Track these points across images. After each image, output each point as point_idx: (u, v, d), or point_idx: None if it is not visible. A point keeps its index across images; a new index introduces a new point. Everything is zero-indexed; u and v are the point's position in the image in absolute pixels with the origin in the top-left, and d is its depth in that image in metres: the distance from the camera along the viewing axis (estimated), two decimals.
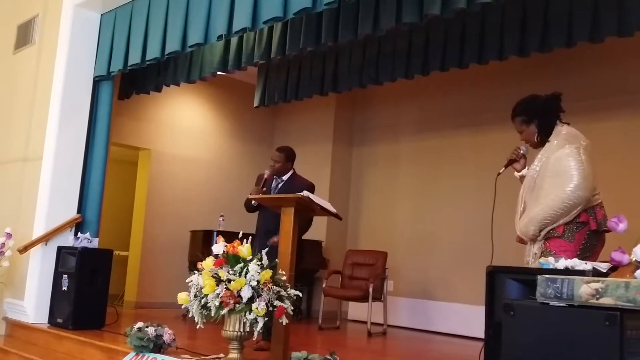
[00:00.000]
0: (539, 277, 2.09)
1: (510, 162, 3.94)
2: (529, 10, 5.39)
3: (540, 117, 3.75)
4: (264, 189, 5.32)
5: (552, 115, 3.74)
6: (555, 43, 5.28)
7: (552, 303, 2.03)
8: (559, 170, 3.54)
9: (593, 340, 1.89)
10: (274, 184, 5.43)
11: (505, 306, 2.14)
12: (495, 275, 3.09)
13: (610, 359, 1.84)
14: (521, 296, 2.82)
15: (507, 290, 3.01)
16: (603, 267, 2.87)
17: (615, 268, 2.77)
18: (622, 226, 2.89)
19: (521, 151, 3.92)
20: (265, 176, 5.37)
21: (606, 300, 1.92)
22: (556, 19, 5.21)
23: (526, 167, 3.86)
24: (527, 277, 2.82)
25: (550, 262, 3.01)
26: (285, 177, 5.47)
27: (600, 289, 1.93)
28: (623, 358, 1.83)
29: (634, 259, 2.64)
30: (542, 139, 3.75)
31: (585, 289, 1.95)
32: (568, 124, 3.76)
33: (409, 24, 4.93)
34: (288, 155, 5.51)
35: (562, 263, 2.95)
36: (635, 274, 2.52)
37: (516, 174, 3.95)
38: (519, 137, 7.53)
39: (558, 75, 6.95)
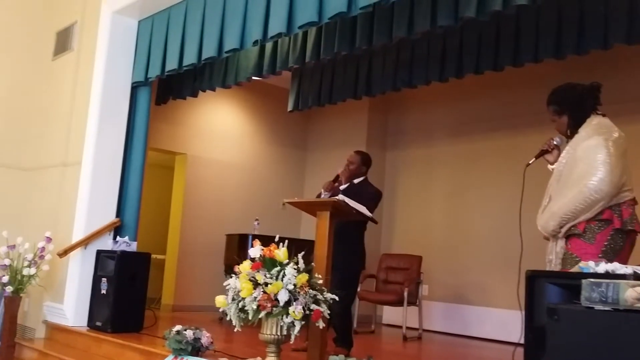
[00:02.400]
0: (583, 281, 2.06)
1: (542, 153, 3.73)
2: (565, 12, 5.31)
3: (573, 109, 3.56)
4: (336, 183, 5.29)
5: (587, 108, 3.53)
6: (591, 45, 5.19)
7: (597, 307, 2.00)
8: (585, 163, 3.34)
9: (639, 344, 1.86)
10: (342, 187, 5.34)
11: (549, 310, 2.11)
12: (535, 280, 3.05)
13: None
14: (561, 301, 2.78)
15: (547, 294, 2.97)
16: None
17: None
18: None
19: (554, 142, 3.71)
20: (338, 173, 5.33)
21: None
22: (592, 20, 5.13)
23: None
24: (568, 281, 2.77)
25: (591, 265, 2.96)
26: (356, 181, 5.41)
27: None
28: None
29: None
30: (573, 131, 3.54)
31: (630, 293, 1.92)
32: (604, 116, 3.54)
33: (443, 27, 4.91)
34: (364, 159, 5.46)
35: (603, 267, 2.90)
36: None
37: (549, 166, 3.73)
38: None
39: (595, 78, 6.83)
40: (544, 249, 6.99)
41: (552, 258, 3.52)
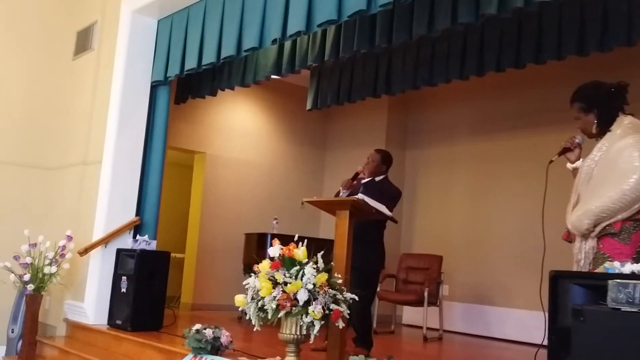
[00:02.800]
0: (609, 282, 2.02)
1: (565, 151, 3.68)
2: (587, 9, 5.24)
3: (601, 107, 3.50)
4: (355, 182, 5.27)
5: (614, 107, 3.49)
6: (614, 42, 5.12)
7: (623, 309, 1.95)
8: (621, 162, 3.29)
9: None
10: (360, 184, 5.32)
11: (575, 312, 2.07)
12: (558, 280, 3.00)
13: None
14: (586, 302, 2.73)
15: (571, 295, 2.92)
16: None
17: None
18: None
19: (577, 140, 3.66)
20: (358, 171, 5.30)
21: None
22: (615, 17, 5.05)
23: (580, 159, 3.61)
24: (592, 282, 2.72)
25: (616, 266, 2.90)
26: (377, 179, 5.38)
27: None
28: None
29: None
30: (601, 130, 3.49)
31: None
32: (632, 115, 3.49)
33: (464, 24, 4.86)
34: (384, 158, 5.43)
35: (628, 268, 2.84)
36: None
37: (569, 165, 3.68)
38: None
39: (619, 76, 6.73)
40: (567, 249, 6.90)
41: (581, 258, 3.44)
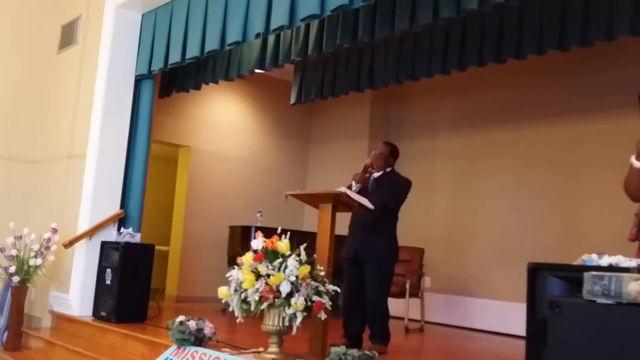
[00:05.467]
0: (585, 274, 2.06)
1: None
2: (569, 4, 5.29)
3: None
4: (367, 174, 5.28)
5: None
6: (595, 37, 5.17)
7: (599, 300, 2.00)
8: None
9: None
10: (371, 178, 5.32)
11: (551, 304, 2.11)
12: (537, 272, 3.06)
13: None
14: (564, 294, 2.79)
15: (549, 287, 2.98)
16: None
17: None
18: None
19: None
20: (367, 163, 5.28)
21: None
22: (597, 11, 5.11)
23: None
24: (571, 274, 2.78)
25: (594, 258, 2.97)
26: (387, 171, 5.38)
27: None
28: None
29: None
30: None
31: (634, 286, 1.92)
32: None
33: (446, 19, 4.90)
34: (392, 151, 5.43)
35: (606, 260, 2.90)
36: None
37: (637, 164, 3.54)
38: (555, 133, 7.38)
39: (601, 70, 6.84)
40: (548, 242, 6.99)
41: None
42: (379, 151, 5.35)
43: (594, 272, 2.03)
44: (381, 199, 5.04)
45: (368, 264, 5.09)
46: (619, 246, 3.31)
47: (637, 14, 4.89)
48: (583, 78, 7.02)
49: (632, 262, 2.79)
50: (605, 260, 2.90)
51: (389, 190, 5.12)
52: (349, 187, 5.08)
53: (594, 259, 2.96)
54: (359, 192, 5.05)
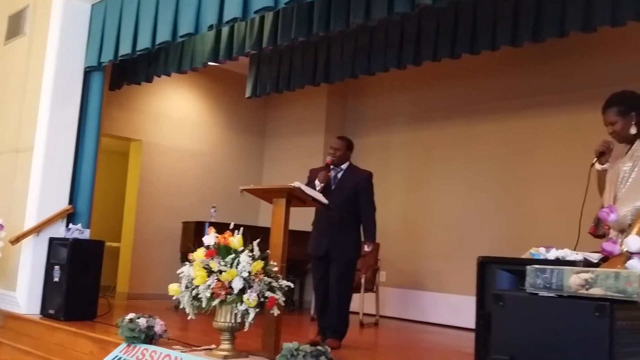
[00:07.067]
0: (528, 267, 2.09)
1: (601, 154, 3.74)
2: (522, 0, 5.37)
3: (638, 110, 3.61)
4: (329, 172, 5.24)
5: None
6: (547, 33, 5.25)
7: (541, 293, 2.03)
8: None
9: (583, 330, 1.88)
10: (332, 174, 5.30)
11: (495, 296, 2.14)
12: (486, 266, 3.09)
13: (599, 349, 1.84)
14: (512, 287, 2.82)
15: (498, 280, 3.02)
16: (594, 257, 2.87)
17: (606, 259, 2.77)
18: (613, 216, 2.89)
19: (611, 145, 3.73)
20: (328, 161, 5.26)
21: (596, 291, 1.92)
22: (548, 8, 5.18)
23: (608, 162, 3.70)
24: (518, 267, 2.81)
25: (541, 252, 3.01)
26: (344, 167, 5.36)
27: (589, 280, 1.93)
28: (612, 348, 1.83)
29: (625, 250, 2.64)
30: (638, 131, 3.59)
31: (574, 280, 1.95)
32: None
33: (400, 14, 4.91)
34: (349, 145, 5.42)
35: (553, 253, 2.95)
36: (627, 264, 2.53)
37: (599, 166, 3.75)
38: (509, 128, 7.50)
39: (550, 67, 6.96)
40: (501, 237, 7.08)
41: None
42: (336, 147, 5.36)
43: (537, 266, 2.06)
44: (369, 216, 5.23)
45: (337, 261, 5.10)
46: (570, 241, 3.38)
47: (588, 11, 4.98)
48: (535, 74, 7.13)
49: (578, 256, 2.85)
50: (552, 254, 2.94)
51: (352, 190, 5.15)
52: (313, 186, 5.08)
53: (541, 252, 3.01)
54: (323, 190, 5.06)
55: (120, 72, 7.10)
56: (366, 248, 5.21)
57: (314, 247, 5.29)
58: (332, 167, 5.29)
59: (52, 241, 5.87)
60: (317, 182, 5.14)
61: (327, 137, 9.01)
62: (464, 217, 7.51)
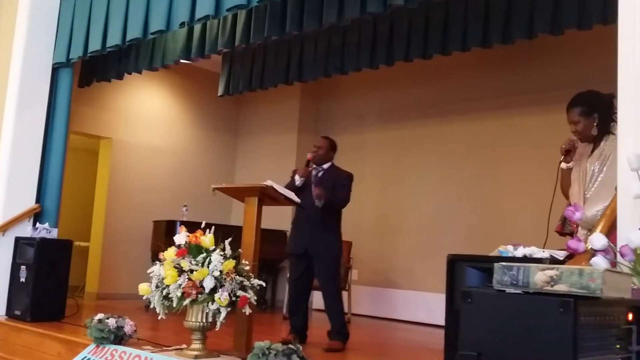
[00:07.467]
0: (495, 265, 2.12)
1: (567, 152, 3.82)
2: (492, 2, 5.43)
3: (601, 111, 3.67)
4: (310, 168, 5.23)
5: (611, 112, 3.63)
6: (516, 35, 5.33)
7: (508, 290, 2.05)
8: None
9: (548, 326, 1.92)
10: (314, 172, 5.30)
11: (463, 294, 2.16)
12: (455, 264, 3.12)
13: (564, 344, 1.88)
14: (481, 284, 2.85)
15: (467, 278, 3.04)
16: (560, 255, 2.92)
17: (572, 256, 2.82)
18: (578, 215, 2.94)
19: (576, 143, 3.81)
20: (309, 157, 5.26)
21: (560, 287, 1.95)
22: (518, 10, 5.27)
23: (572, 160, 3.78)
24: (487, 265, 2.84)
25: (509, 249, 3.05)
26: (325, 166, 5.36)
27: (555, 276, 1.96)
28: (577, 344, 1.87)
29: (589, 247, 2.69)
30: (600, 132, 3.67)
31: (540, 276, 1.98)
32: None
33: (373, 14, 4.93)
34: (332, 145, 5.43)
35: (521, 251, 2.99)
36: (591, 261, 2.57)
37: (564, 165, 3.83)
38: (480, 128, 7.60)
39: (520, 68, 7.04)
40: (472, 235, 7.15)
41: None
42: (318, 145, 5.36)
43: (504, 263, 2.09)
44: (341, 197, 5.17)
45: (320, 260, 5.10)
46: (539, 238, 3.43)
47: (556, 14, 5.07)
48: (506, 75, 7.21)
49: (544, 253, 2.89)
50: (520, 251, 2.98)
51: (331, 189, 5.13)
52: (292, 182, 5.08)
53: (509, 250, 3.05)
54: (302, 187, 5.10)
55: (89, 68, 7.00)
56: (317, 191, 5.07)
57: (293, 245, 5.29)
58: (313, 165, 5.30)
59: (19, 241, 5.79)
60: (296, 177, 5.17)
61: (300, 136, 9.02)
62: (436, 216, 7.57)
